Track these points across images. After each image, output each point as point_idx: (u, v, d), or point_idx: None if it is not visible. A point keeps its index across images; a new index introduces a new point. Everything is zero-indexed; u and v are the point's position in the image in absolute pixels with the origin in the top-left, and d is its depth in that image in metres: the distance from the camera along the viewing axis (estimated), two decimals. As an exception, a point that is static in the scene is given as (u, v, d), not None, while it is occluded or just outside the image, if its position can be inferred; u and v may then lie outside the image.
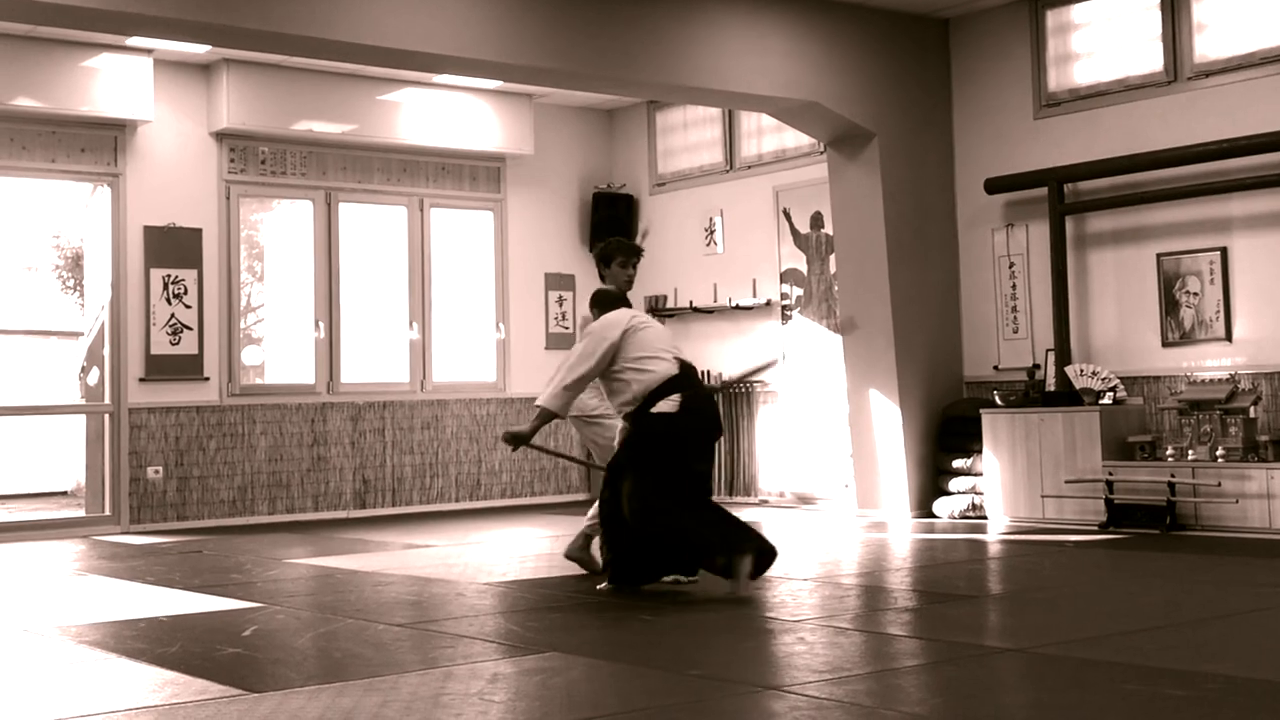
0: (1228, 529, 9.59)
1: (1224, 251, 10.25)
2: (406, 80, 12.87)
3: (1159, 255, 10.60)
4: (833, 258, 12.38)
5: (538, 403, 7.48)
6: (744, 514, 12.02)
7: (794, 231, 12.94)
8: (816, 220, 12.73)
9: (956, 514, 11.13)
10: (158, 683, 5.28)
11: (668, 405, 7.33)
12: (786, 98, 11.02)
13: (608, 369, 7.45)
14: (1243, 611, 6.60)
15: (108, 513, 11.83)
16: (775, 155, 13.22)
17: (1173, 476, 9.83)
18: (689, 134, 14.07)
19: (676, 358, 7.51)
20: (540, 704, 4.81)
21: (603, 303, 7.91)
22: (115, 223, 11.97)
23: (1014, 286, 11.48)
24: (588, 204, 14.50)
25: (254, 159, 12.60)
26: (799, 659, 5.54)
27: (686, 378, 7.48)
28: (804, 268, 12.85)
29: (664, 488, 7.26)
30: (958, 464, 11.33)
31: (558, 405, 7.41)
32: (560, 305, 14.29)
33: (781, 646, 5.87)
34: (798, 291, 12.92)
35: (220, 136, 12.43)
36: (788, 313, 12.95)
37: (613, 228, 14.25)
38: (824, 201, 12.37)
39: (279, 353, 13.44)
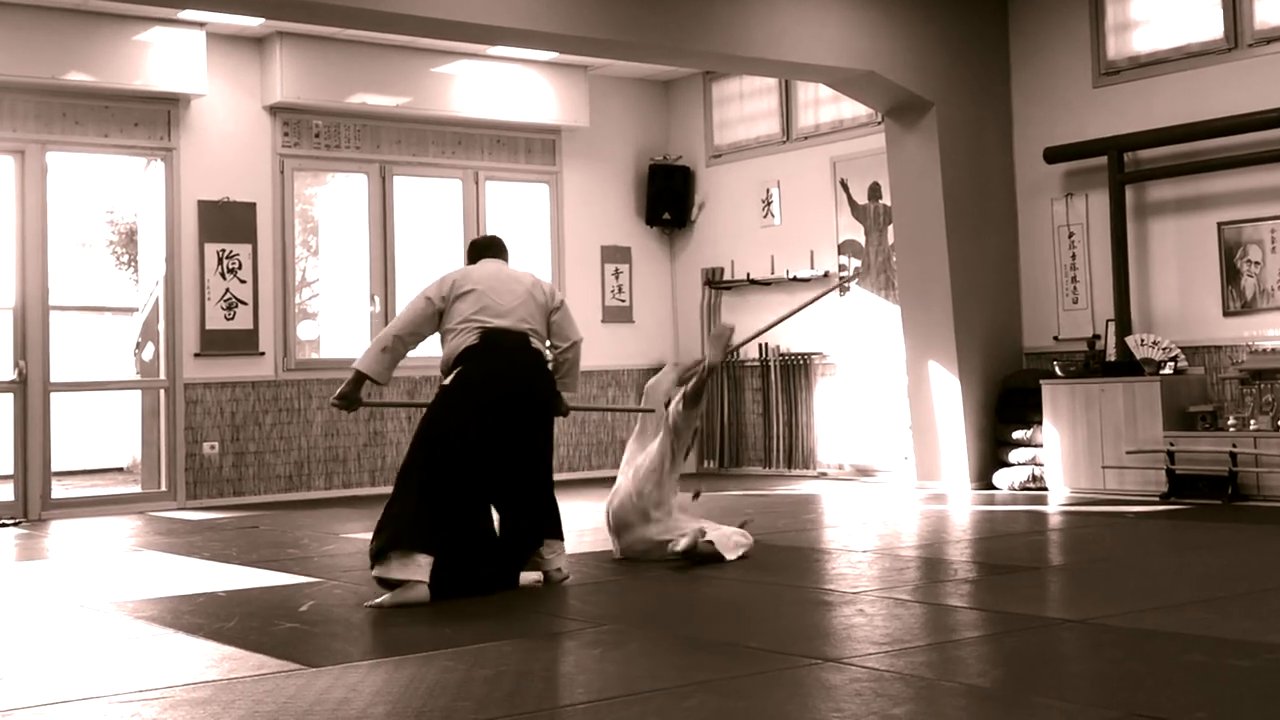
0: (1293, 499, 9.57)
1: (1287, 219, 10.19)
2: (461, 52, 12.88)
3: (1220, 224, 10.52)
4: (891, 229, 12.35)
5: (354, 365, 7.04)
6: (803, 486, 12.07)
7: (851, 202, 12.90)
8: (874, 191, 12.69)
9: (1017, 485, 11.11)
10: (215, 658, 5.32)
11: (448, 380, 6.82)
12: (844, 67, 10.97)
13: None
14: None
15: (164, 488, 11.94)
16: (832, 126, 13.18)
17: (1234, 446, 9.77)
18: (745, 105, 14.04)
19: (484, 328, 6.79)
20: (599, 677, 4.85)
21: (469, 252, 7.40)
22: (169, 197, 12.05)
23: (1074, 256, 11.41)
24: (644, 176, 14.49)
25: (308, 132, 12.67)
26: (858, 631, 5.54)
27: (482, 348, 6.78)
28: (862, 239, 12.81)
29: (416, 468, 6.66)
30: (1018, 435, 11.31)
31: (369, 367, 6.85)
32: (616, 278, 14.29)
33: (841, 618, 5.88)
34: (856, 263, 12.89)
35: (274, 110, 12.50)
36: (845, 284, 12.92)
37: (669, 200, 14.27)
38: (882, 172, 12.32)
39: (334, 327, 13.52)
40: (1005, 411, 11.47)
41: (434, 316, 6.89)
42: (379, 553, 6.47)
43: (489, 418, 6.67)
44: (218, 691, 4.74)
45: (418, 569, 6.40)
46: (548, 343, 7.05)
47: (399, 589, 6.37)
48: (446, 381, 6.81)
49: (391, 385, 11.57)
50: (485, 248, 7.30)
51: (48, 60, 11.25)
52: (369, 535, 9.30)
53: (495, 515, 6.87)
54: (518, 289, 6.96)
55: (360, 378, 6.92)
